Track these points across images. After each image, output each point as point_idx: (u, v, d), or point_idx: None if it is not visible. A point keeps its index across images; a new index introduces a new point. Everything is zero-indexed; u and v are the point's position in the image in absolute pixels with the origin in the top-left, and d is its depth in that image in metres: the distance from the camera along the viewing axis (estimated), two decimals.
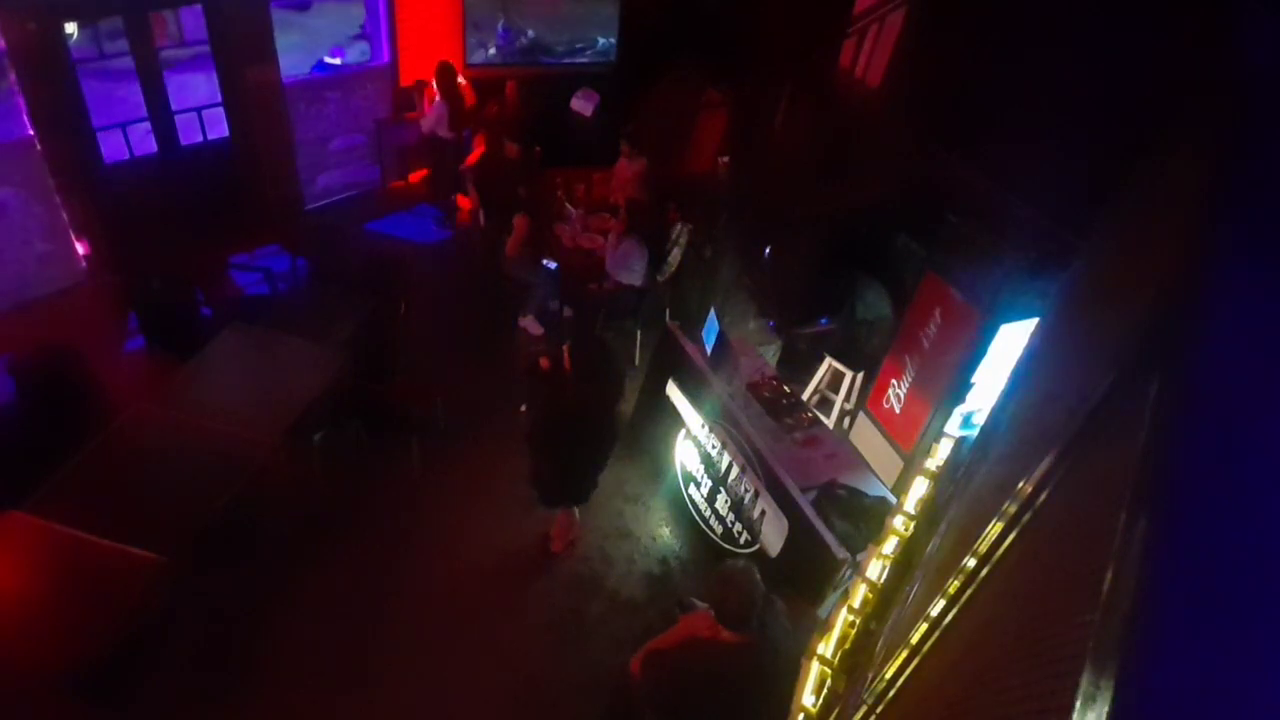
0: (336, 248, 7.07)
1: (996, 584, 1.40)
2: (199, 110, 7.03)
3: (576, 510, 5.07)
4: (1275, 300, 1.00)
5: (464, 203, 7.87)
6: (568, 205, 7.19)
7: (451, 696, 4.25)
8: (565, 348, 4.39)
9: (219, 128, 7.14)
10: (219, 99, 7.01)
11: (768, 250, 6.17)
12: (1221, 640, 0.58)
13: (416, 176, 8.44)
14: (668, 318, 5.71)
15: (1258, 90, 1.39)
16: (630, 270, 6.27)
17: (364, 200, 8.26)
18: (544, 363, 4.48)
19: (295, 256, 6.87)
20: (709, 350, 5.17)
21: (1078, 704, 0.50)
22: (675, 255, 6.42)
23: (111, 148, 6.61)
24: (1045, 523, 1.31)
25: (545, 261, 6.64)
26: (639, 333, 6.44)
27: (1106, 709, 0.48)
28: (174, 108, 6.82)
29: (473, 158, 7.29)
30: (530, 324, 6.70)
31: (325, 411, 4.99)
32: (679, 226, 6.37)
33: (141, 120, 6.75)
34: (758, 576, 3.32)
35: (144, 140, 6.83)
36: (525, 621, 4.69)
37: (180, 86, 8.03)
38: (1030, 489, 1.42)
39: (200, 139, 7.10)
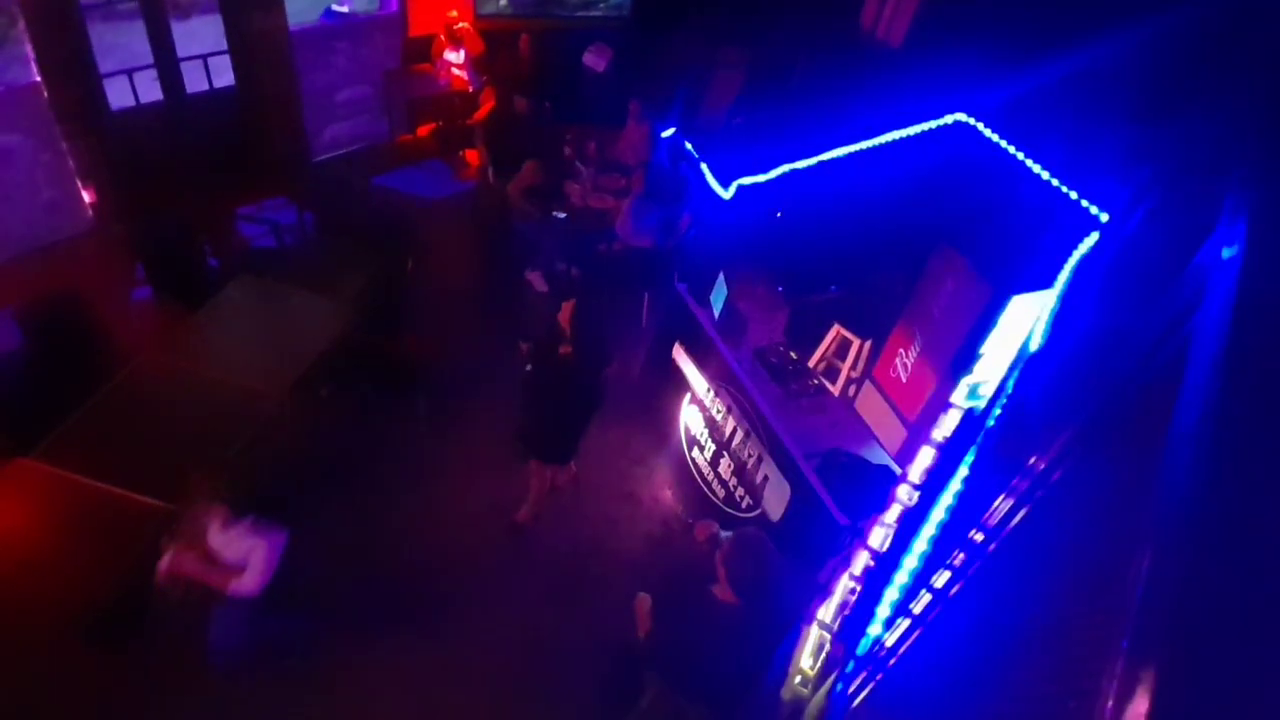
0: (344, 201, 7.01)
1: (1002, 557, 1.39)
2: (205, 58, 6.91)
3: (557, 469, 5.06)
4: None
5: (472, 158, 7.77)
6: (578, 163, 7.09)
7: (451, 656, 4.30)
8: (567, 305, 4.38)
9: (225, 76, 7.03)
10: (225, 46, 6.88)
11: (778, 215, 6.09)
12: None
13: (425, 130, 8.33)
14: (676, 281, 5.66)
15: None
16: (640, 232, 6.21)
17: (372, 153, 8.17)
18: (523, 348, 4.51)
19: (302, 209, 6.81)
20: (717, 315, 5.14)
21: (1114, 694, 0.49)
22: (686, 220, 6.35)
23: (117, 95, 6.52)
24: (1056, 498, 1.30)
25: (556, 214, 6.57)
26: (647, 296, 6.40)
27: (1146, 702, 0.47)
28: (180, 55, 6.71)
29: (482, 112, 7.18)
30: (536, 279, 6.64)
31: (332, 366, 5.00)
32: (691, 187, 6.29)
33: (148, 67, 6.65)
34: (771, 545, 3.35)
35: (150, 88, 6.74)
36: (527, 581, 4.74)
37: (187, 34, 7.89)
38: (1041, 464, 1.40)
39: (206, 87, 7.00)
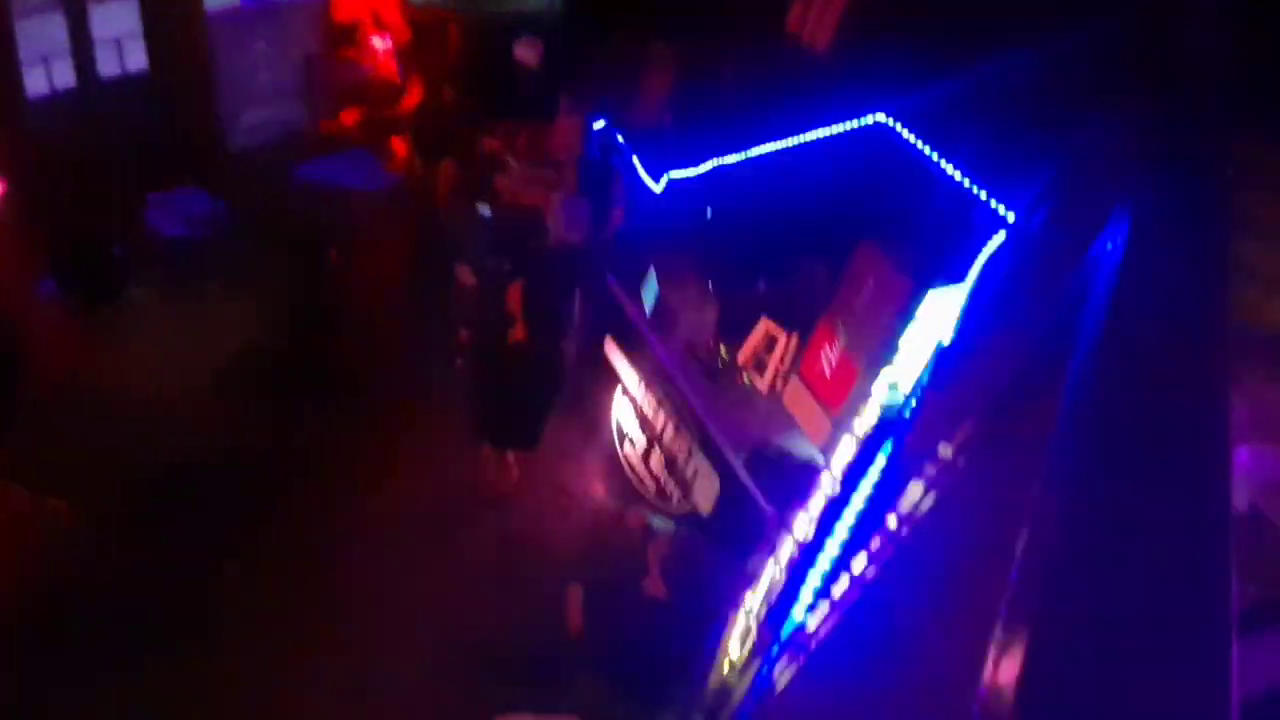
0: (263, 191, 6.76)
1: (913, 539, 1.47)
2: (118, 41, 6.55)
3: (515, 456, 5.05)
4: (1183, 277, 1.06)
5: (399, 148, 7.60)
6: (508, 157, 7.01)
7: (383, 652, 4.22)
8: (514, 288, 4.37)
9: (141, 60, 6.68)
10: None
11: (708, 211, 6.17)
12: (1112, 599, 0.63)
13: (349, 118, 8.09)
14: (608, 275, 5.68)
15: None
16: (572, 227, 6.19)
17: (293, 141, 7.88)
18: (464, 335, 4.48)
19: (216, 198, 6.54)
20: (648, 309, 5.19)
21: (992, 654, 0.53)
22: (618, 213, 6.37)
23: (32, 82, 6.15)
24: (959, 482, 1.37)
25: (480, 207, 6.47)
26: (578, 290, 6.39)
27: (1019, 661, 0.51)
28: (96, 38, 6.34)
29: (408, 102, 7.03)
30: (464, 273, 6.53)
31: (258, 366, 4.84)
32: (621, 183, 6.30)
33: (62, 53, 6.26)
34: (700, 541, 3.44)
35: (63, 74, 6.35)
36: (458, 577, 4.67)
37: (105, 18, 7.46)
38: (949, 452, 1.48)
39: (120, 71, 6.63)
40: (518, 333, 4.36)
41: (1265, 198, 3.08)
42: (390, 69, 7.93)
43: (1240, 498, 1.90)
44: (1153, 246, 1.16)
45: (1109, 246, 1.10)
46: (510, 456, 5.05)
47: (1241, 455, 1.99)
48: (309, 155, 7.73)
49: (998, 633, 0.55)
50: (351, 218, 6.60)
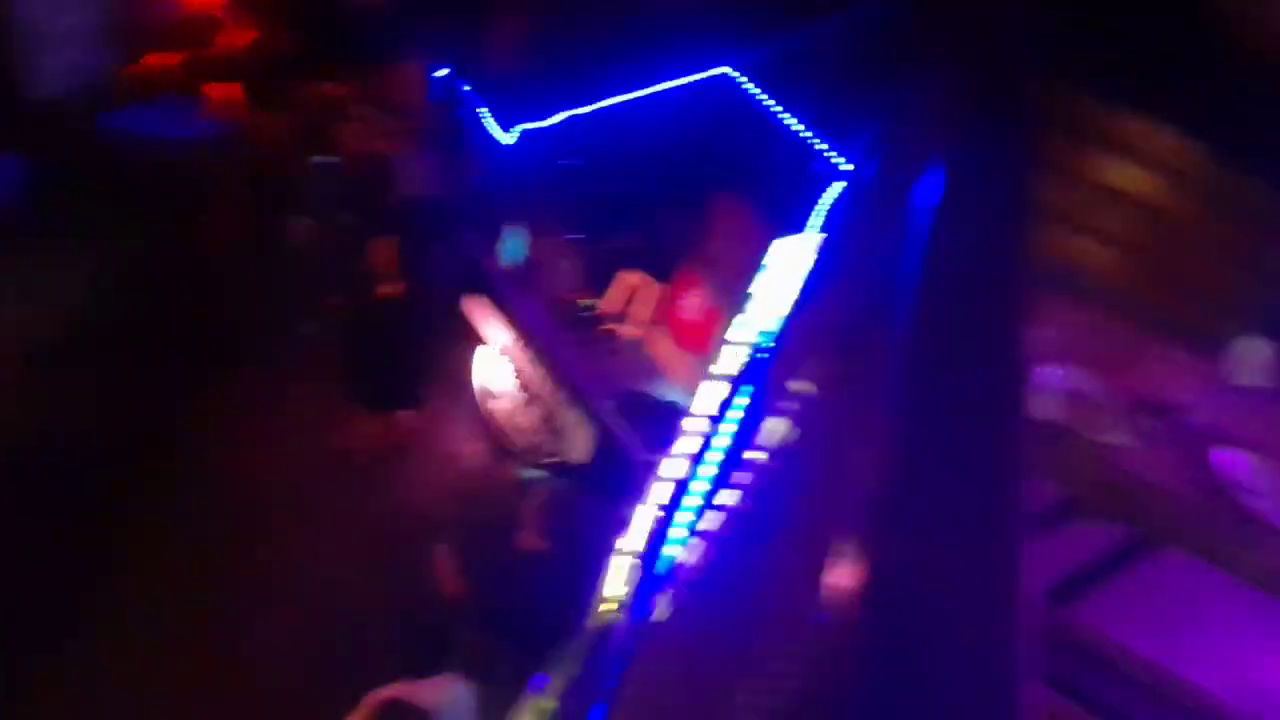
0: (71, 146, 5.99)
1: (772, 471, 1.57)
2: None
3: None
4: (991, 220, 1.18)
5: (226, 93, 6.91)
6: (350, 104, 6.57)
7: (252, 630, 4.01)
8: (383, 244, 4.20)
9: None
10: None
11: (564, 162, 6.11)
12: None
13: (165, 60, 7.24)
14: (464, 231, 5.52)
15: None
16: (423, 180, 5.94)
17: (101, 89, 6.98)
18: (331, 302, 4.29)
19: (17, 157, 5.74)
20: (508, 264, 5.10)
21: (831, 563, 0.59)
22: (475, 162, 6.15)
23: None
24: (811, 415, 1.47)
25: (318, 160, 6.07)
26: (434, 246, 6.17)
27: (852, 578, 0.57)
28: None
29: (236, 41, 6.40)
30: (301, 228, 6.13)
31: (91, 339, 4.36)
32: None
33: None
34: (573, 492, 3.49)
35: None
36: (327, 548, 4.50)
37: None
38: (801, 386, 1.59)
39: None
40: (389, 289, 4.20)
41: (1067, 143, 3.43)
42: (213, 4, 7.15)
43: (1045, 410, 2.16)
44: (966, 191, 1.27)
45: (928, 192, 1.20)
46: (392, 418, 4.89)
47: (1048, 373, 2.26)
48: (121, 104, 6.88)
49: (840, 543, 0.61)
50: (175, 172, 5.99)
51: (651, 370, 5.12)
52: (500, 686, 3.49)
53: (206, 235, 5.88)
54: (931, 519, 0.66)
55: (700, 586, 1.80)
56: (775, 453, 1.51)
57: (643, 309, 5.88)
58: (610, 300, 5.62)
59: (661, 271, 5.72)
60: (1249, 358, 2.37)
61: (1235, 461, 2.31)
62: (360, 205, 6.14)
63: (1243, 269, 3.21)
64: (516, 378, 4.98)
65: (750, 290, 5.07)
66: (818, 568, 0.68)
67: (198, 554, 4.25)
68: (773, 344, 3.04)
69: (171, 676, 3.74)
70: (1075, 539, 2.64)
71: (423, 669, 2.82)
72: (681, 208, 5.62)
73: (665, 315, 5.75)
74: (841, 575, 0.59)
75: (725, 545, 1.69)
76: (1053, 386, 2.27)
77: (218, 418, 4.93)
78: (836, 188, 3.42)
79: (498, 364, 5.11)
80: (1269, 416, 2.51)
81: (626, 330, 5.34)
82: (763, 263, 4.98)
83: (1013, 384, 0.89)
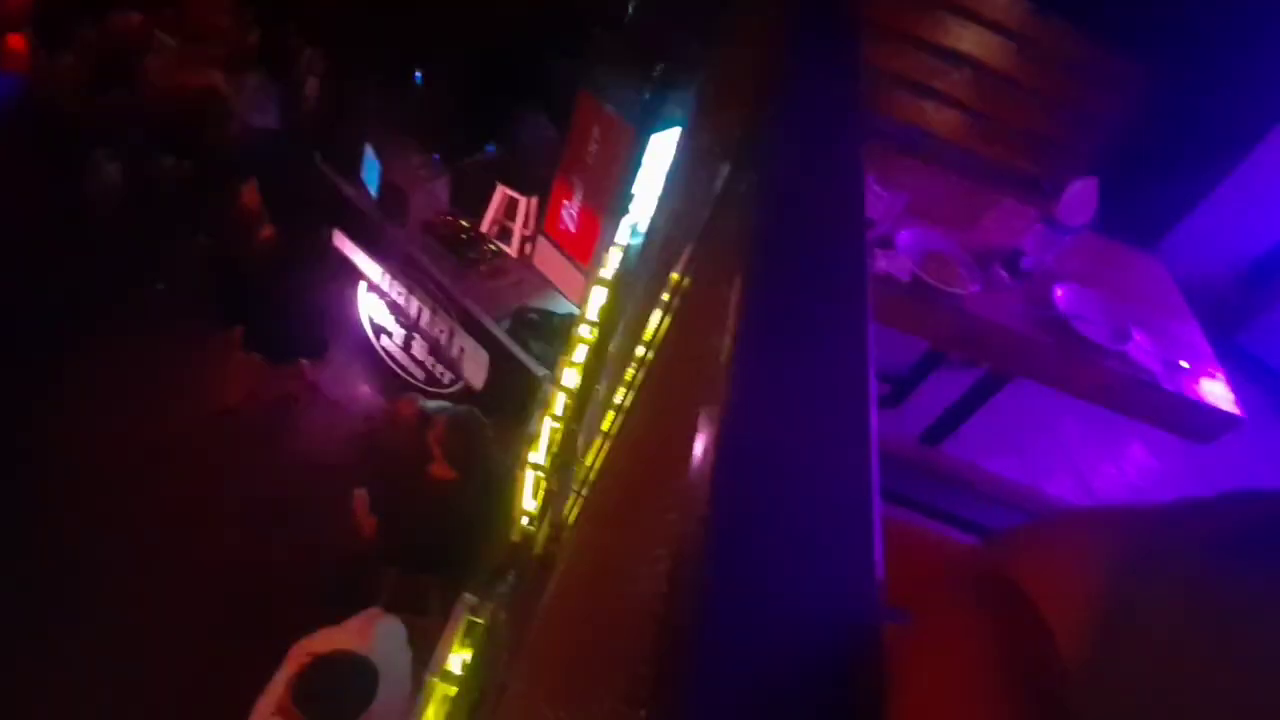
0: None
1: (656, 365, 1.63)
2: None
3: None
4: (825, 93, 1.22)
5: (16, 43, 6.06)
6: (158, 34, 5.88)
7: (157, 604, 3.88)
8: (248, 187, 3.94)
9: None
10: None
11: (418, 76, 5.76)
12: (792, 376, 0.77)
13: None
14: (318, 160, 5.17)
15: None
16: (259, 110, 5.48)
17: None
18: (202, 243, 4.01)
19: None
20: (373, 193, 4.86)
21: (697, 434, 0.64)
22: (312, 85, 5.71)
23: None
24: (686, 303, 1.52)
25: (126, 97, 5.47)
26: (289, 182, 5.78)
27: (709, 435, 0.62)
28: None
29: None
30: (112, 169, 5.56)
31: None
32: (307, 52, 5.61)
33: None
34: (483, 419, 3.48)
35: None
36: (217, 510, 4.34)
37: None
38: (678, 278, 1.63)
39: None
40: (265, 231, 3.97)
41: (908, 9, 3.51)
42: None
43: (904, 269, 2.31)
44: (794, 59, 1.30)
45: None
46: (285, 368, 4.70)
47: (903, 235, 2.40)
48: None
49: (699, 423, 0.65)
50: None
51: (540, 284, 5.08)
52: (431, 617, 3.56)
53: (10, 200, 5.27)
54: (787, 385, 0.72)
55: (600, 483, 1.88)
56: (658, 344, 1.57)
57: (524, 224, 5.77)
58: (489, 218, 5.47)
59: (537, 181, 5.58)
60: (1078, 199, 2.58)
61: (1069, 294, 2.55)
62: (183, 146, 5.61)
63: (1067, 116, 3.46)
64: (402, 311, 4.84)
65: (629, 189, 5.05)
66: (685, 446, 0.73)
67: (91, 527, 4.03)
68: (646, 239, 3.07)
69: (84, 652, 3.61)
70: (939, 385, 2.90)
71: (346, 614, 2.81)
72: (549, 111, 5.46)
73: (547, 226, 5.66)
74: (701, 453, 0.64)
75: (618, 440, 1.75)
76: (906, 247, 2.41)
77: (88, 390, 4.58)
78: (701, 77, 3.40)
79: (381, 300, 4.94)
80: (1092, 249, 2.78)
81: (510, 247, 5.24)
82: (638, 160, 4.95)
83: (855, 245, 0.96)
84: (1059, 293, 2.51)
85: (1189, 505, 0.45)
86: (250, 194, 4.02)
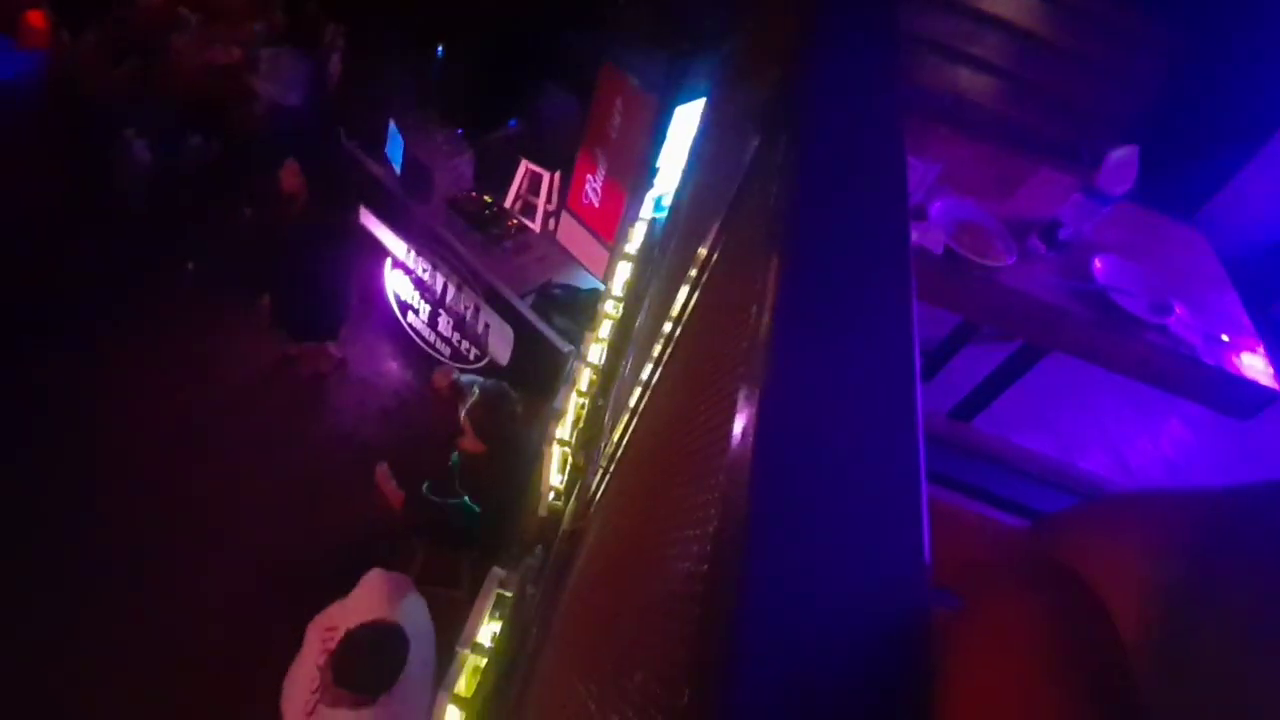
0: None
1: (685, 341, 1.61)
2: None
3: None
4: (860, 58, 1.18)
5: (37, 20, 6.12)
6: (182, 10, 5.89)
7: (190, 578, 3.97)
8: (289, 165, 4.02)
9: None
10: None
11: (440, 51, 5.72)
12: (830, 353, 0.75)
13: None
14: (342, 138, 5.18)
15: None
16: (285, 87, 5.49)
17: None
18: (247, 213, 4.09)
19: None
20: (398, 170, 4.85)
21: (736, 414, 0.62)
22: (335, 62, 5.70)
23: None
24: (715, 279, 1.50)
25: (151, 77, 5.51)
26: (317, 159, 5.80)
27: (749, 419, 0.61)
28: None
29: None
30: (139, 146, 5.62)
31: None
32: (330, 28, 5.60)
33: None
34: (513, 394, 3.50)
35: None
36: (256, 486, 4.43)
37: None
38: (705, 252, 1.61)
39: None
40: (299, 207, 4.05)
41: None
42: None
43: (937, 241, 2.26)
44: (827, 22, 1.26)
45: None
46: (318, 345, 4.78)
47: (936, 206, 2.34)
48: None
49: (737, 402, 0.64)
50: None
51: (564, 260, 5.07)
52: (461, 590, 3.62)
53: (33, 187, 5.34)
54: (829, 363, 0.70)
55: (628, 455, 1.87)
56: (685, 320, 1.55)
57: (547, 198, 5.74)
58: (513, 194, 5.45)
59: (560, 156, 5.54)
60: (1118, 168, 2.50)
61: (1109, 265, 2.48)
62: (208, 125, 5.64)
63: (1106, 83, 3.34)
64: (428, 287, 4.85)
65: (654, 162, 5.00)
66: (722, 425, 0.72)
67: (128, 500, 4.12)
68: (671, 214, 3.03)
69: (116, 623, 3.70)
70: (970, 360, 2.85)
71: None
72: (568, 86, 5.40)
73: (570, 201, 5.63)
74: (741, 433, 0.63)
75: (645, 414, 1.74)
76: (939, 218, 2.36)
77: (118, 368, 4.68)
78: (729, 45, 3.34)
79: (407, 276, 4.96)
80: (1132, 219, 2.70)
81: (534, 223, 5.23)
82: (662, 133, 4.89)
83: (898, 218, 0.93)
84: (1098, 264, 2.44)
85: (1259, 487, 0.43)
86: (291, 172, 4.10)
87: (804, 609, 0.51)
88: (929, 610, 0.50)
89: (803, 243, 0.86)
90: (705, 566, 0.67)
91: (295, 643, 2.60)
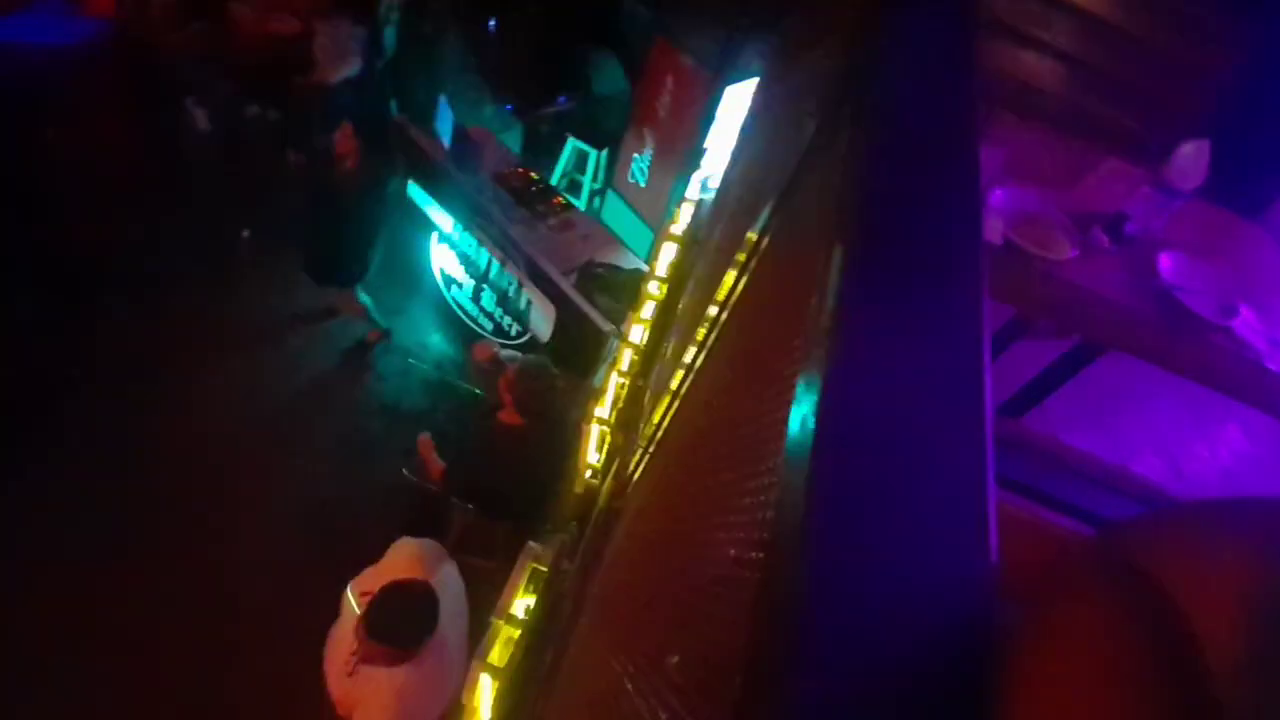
0: None
1: (731, 325, 1.59)
2: None
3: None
4: (934, 39, 1.14)
5: None
6: None
7: (239, 536, 4.10)
8: (345, 127, 4.18)
9: None
10: None
11: (493, 25, 5.71)
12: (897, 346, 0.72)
13: None
14: (394, 111, 5.22)
15: None
16: (342, 58, 5.53)
17: None
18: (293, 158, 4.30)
19: None
20: (446, 144, 4.87)
21: (794, 402, 0.61)
22: (390, 36, 5.73)
23: None
24: (766, 264, 1.48)
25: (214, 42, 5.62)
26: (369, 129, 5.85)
27: (812, 407, 0.59)
28: None
29: None
30: (200, 116, 5.76)
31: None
32: (386, 1, 5.62)
33: None
34: (553, 369, 3.51)
35: None
36: (303, 449, 4.54)
37: None
38: (755, 237, 1.58)
39: None
40: (350, 164, 4.24)
41: None
42: None
43: (996, 232, 2.20)
44: (903, 5, 1.22)
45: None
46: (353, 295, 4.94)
47: (996, 194, 2.27)
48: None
49: (795, 391, 0.62)
50: (61, 82, 5.50)
51: (607, 239, 5.05)
52: (494, 562, 3.67)
53: (100, 148, 5.47)
54: (896, 356, 0.68)
55: (666, 436, 1.87)
56: (730, 301, 1.53)
57: (593, 177, 5.73)
58: (560, 171, 5.45)
59: (608, 134, 5.51)
60: (1189, 162, 2.40)
61: (1176, 262, 2.39)
62: (267, 94, 5.72)
63: (1179, 75, 3.19)
64: (472, 262, 4.89)
65: (703, 143, 4.94)
66: (779, 412, 0.70)
67: (172, 469, 4.27)
68: (718, 195, 3.00)
69: (164, 578, 3.84)
70: (1022, 355, 2.78)
71: None
72: (619, 63, 5.35)
73: (616, 180, 5.61)
74: (802, 414, 0.61)
75: (687, 396, 1.73)
76: (999, 207, 2.29)
77: (160, 338, 4.81)
78: (785, 24, 3.27)
79: (452, 250, 5.00)
80: (1200, 217, 2.58)
81: (579, 200, 5.23)
82: (712, 112, 4.82)
83: (970, 206, 0.89)
84: (1164, 261, 2.35)
85: None
86: (346, 134, 4.22)
87: (867, 603, 0.50)
88: (996, 611, 0.49)
89: (870, 232, 0.84)
90: (758, 554, 0.66)
91: (335, 598, 2.68)
